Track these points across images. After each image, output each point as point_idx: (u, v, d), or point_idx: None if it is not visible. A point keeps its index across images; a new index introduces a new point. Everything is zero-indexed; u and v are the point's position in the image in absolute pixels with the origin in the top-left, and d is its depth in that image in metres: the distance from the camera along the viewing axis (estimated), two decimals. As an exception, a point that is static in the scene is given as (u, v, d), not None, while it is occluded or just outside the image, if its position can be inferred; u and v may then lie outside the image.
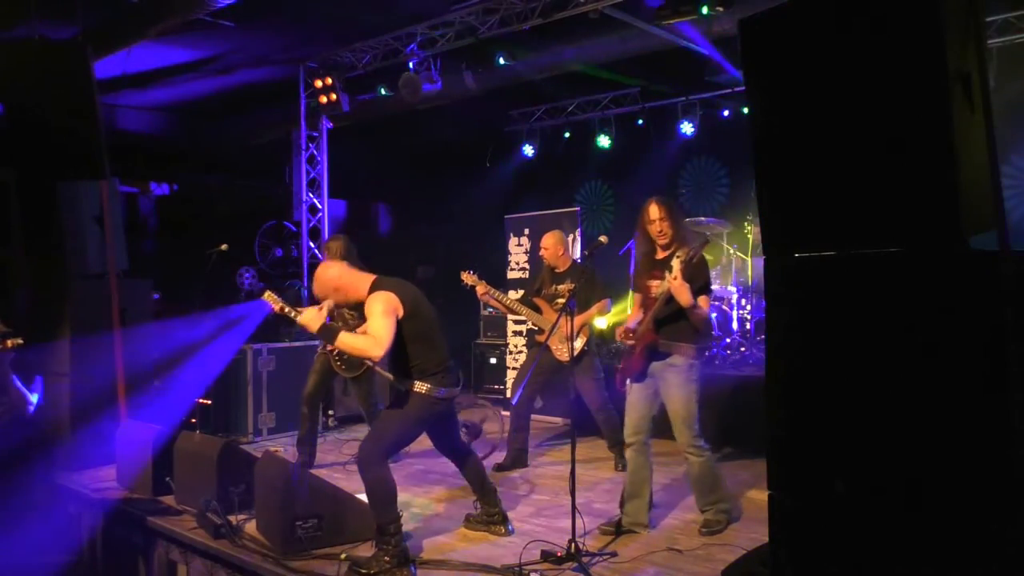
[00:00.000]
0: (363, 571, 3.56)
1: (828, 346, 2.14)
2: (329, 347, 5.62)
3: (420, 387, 3.79)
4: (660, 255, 4.18)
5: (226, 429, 6.82)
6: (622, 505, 4.25)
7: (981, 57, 2.04)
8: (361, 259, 5.98)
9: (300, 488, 3.87)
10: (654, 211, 4.10)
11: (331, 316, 5.63)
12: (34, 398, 5.16)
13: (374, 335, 3.62)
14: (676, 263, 3.95)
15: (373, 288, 3.80)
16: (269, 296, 5.75)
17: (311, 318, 3.69)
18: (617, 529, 4.15)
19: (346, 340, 3.63)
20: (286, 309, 5.55)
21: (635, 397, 4.18)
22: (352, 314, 5.42)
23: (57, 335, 5.84)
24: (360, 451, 3.79)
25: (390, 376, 3.93)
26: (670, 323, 4.03)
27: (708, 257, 7.79)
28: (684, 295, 3.89)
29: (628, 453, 4.24)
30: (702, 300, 4.06)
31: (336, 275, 3.87)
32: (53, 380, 5.61)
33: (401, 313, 3.72)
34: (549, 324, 5.49)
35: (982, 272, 1.88)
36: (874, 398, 2.04)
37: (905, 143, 1.99)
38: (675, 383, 4.04)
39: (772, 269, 2.29)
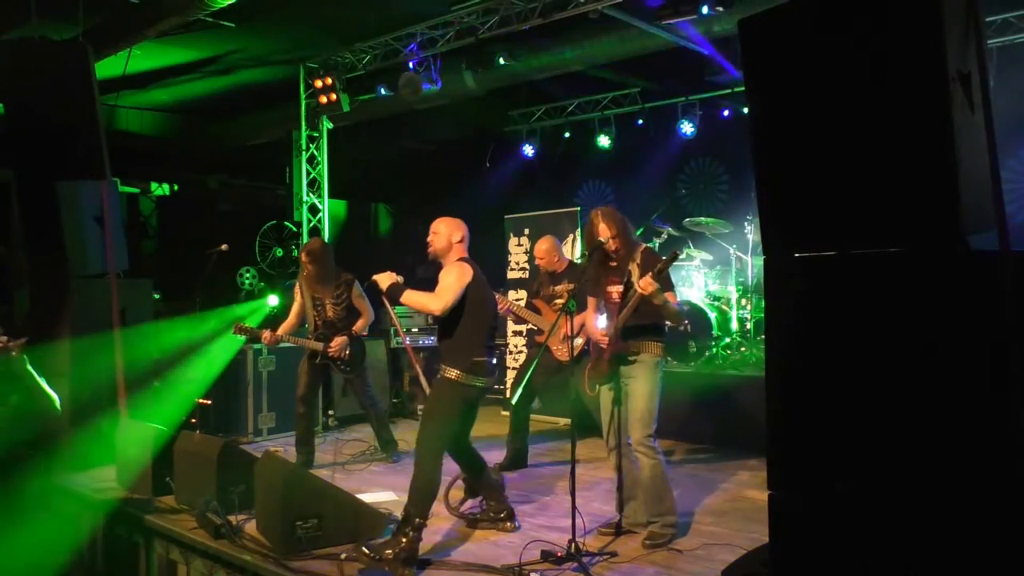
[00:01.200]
0: (371, 555, 3.60)
1: (828, 346, 2.14)
2: (333, 351, 5.64)
3: (450, 373, 3.94)
4: (613, 262, 4.22)
5: (226, 429, 6.82)
6: (620, 508, 4.26)
7: (981, 57, 2.04)
8: (361, 259, 5.99)
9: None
10: (603, 231, 4.13)
11: (315, 303, 5.71)
12: (56, 398, 5.14)
13: (438, 292, 3.89)
14: (634, 268, 4.05)
15: (460, 262, 4.04)
16: (238, 330, 5.77)
17: (384, 277, 3.99)
18: (616, 530, 4.16)
19: (412, 295, 3.95)
20: (253, 334, 5.57)
21: (607, 401, 4.20)
22: (334, 307, 5.71)
23: (57, 335, 5.83)
24: (416, 443, 3.95)
25: (420, 373, 4.08)
26: (637, 328, 4.05)
27: (708, 257, 7.85)
28: (658, 296, 3.88)
29: (612, 459, 4.24)
30: (669, 295, 4.03)
31: (448, 224, 4.12)
32: (53, 380, 5.61)
33: (468, 279, 3.96)
34: (548, 325, 5.49)
35: (982, 272, 1.88)
36: (874, 398, 2.04)
37: (905, 143, 1.99)
38: (640, 378, 4.03)
39: (772, 269, 2.29)
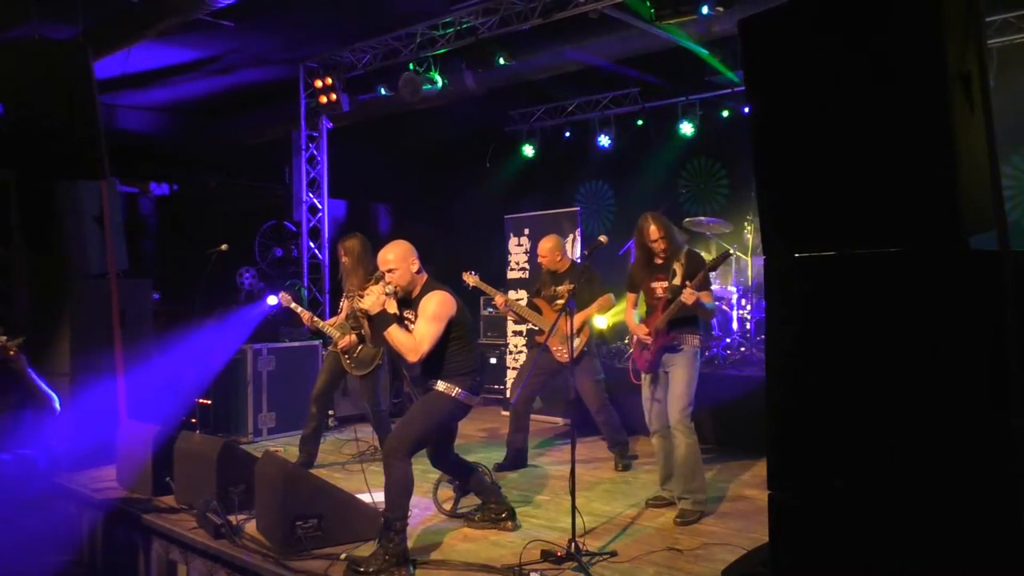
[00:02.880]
0: (361, 569, 3.57)
1: (828, 346, 2.14)
2: (340, 345, 5.63)
3: (448, 388, 3.87)
4: (659, 260, 4.57)
5: (226, 429, 6.82)
6: (662, 484, 4.69)
7: (981, 57, 2.04)
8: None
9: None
10: (653, 232, 4.48)
11: (349, 295, 5.70)
12: (56, 397, 5.13)
13: (418, 339, 3.76)
14: (678, 268, 4.43)
15: (429, 286, 3.91)
16: (284, 297, 5.82)
17: (373, 302, 3.81)
18: (665, 503, 4.62)
19: (395, 333, 3.78)
20: (295, 307, 5.58)
21: (650, 390, 4.58)
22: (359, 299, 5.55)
23: (57, 335, 5.83)
24: (386, 445, 3.91)
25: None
26: (681, 321, 4.45)
27: (710, 257, 7.89)
28: (698, 306, 4.36)
29: (654, 440, 4.62)
30: (705, 295, 4.46)
31: (402, 255, 3.91)
32: (53, 380, 5.61)
33: (454, 313, 3.85)
34: (549, 325, 5.49)
35: (982, 272, 1.88)
36: (874, 398, 2.04)
37: (905, 143, 1.99)
38: (681, 364, 4.44)
39: (772, 269, 2.29)
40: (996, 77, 6.65)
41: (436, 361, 3.90)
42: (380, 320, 3.80)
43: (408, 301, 3.98)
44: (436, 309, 3.81)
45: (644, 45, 7.41)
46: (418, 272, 3.96)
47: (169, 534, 4.36)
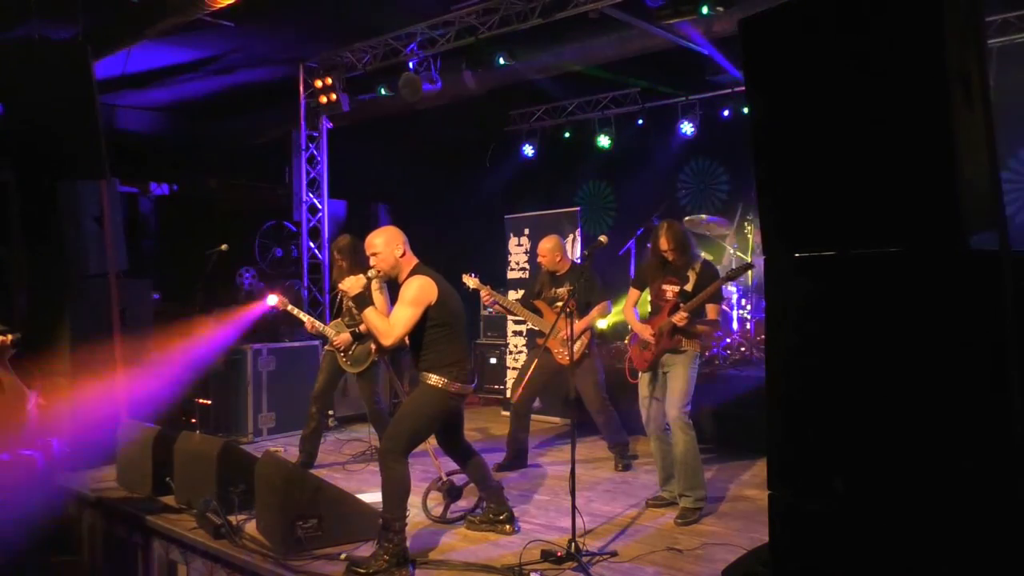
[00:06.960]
0: (361, 570, 3.57)
1: (828, 346, 2.14)
2: (336, 343, 5.62)
3: (435, 381, 3.83)
4: (674, 265, 4.61)
5: (226, 429, 6.82)
6: (662, 485, 4.71)
7: (981, 57, 2.04)
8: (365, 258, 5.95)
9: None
10: (663, 243, 4.53)
11: (340, 308, 5.70)
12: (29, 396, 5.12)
13: (392, 323, 3.77)
14: (692, 275, 4.51)
15: (414, 272, 3.90)
16: (280, 300, 5.82)
17: (352, 284, 3.82)
18: (666, 503, 4.62)
19: (370, 315, 3.78)
20: (292, 309, 5.60)
21: (647, 390, 4.59)
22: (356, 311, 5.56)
23: (57, 335, 5.83)
24: (381, 445, 3.90)
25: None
26: (685, 327, 4.48)
27: (709, 257, 7.88)
28: (688, 327, 4.41)
29: (652, 442, 4.64)
30: (712, 309, 4.58)
31: (386, 240, 3.92)
32: (53, 380, 5.61)
33: (433, 299, 3.82)
34: (550, 326, 5.49)
35: (982, 272, 1.88)
36: (874, 398, 2.04)
37: (905, 143, 1.99)
38: (681, 364, 4.48)
39: (772, 269, 2.30)
40: (996, 77, 6.65)
41: (420, 350, 3.88)
42: (359, 302, 3.80)
43: (397, 287, 3.97)
44: (413, 294, 3.79)
45: (644, 45, 7.41)
46: (403, 256, 3.93)
47: (169, 534, 4.36)
